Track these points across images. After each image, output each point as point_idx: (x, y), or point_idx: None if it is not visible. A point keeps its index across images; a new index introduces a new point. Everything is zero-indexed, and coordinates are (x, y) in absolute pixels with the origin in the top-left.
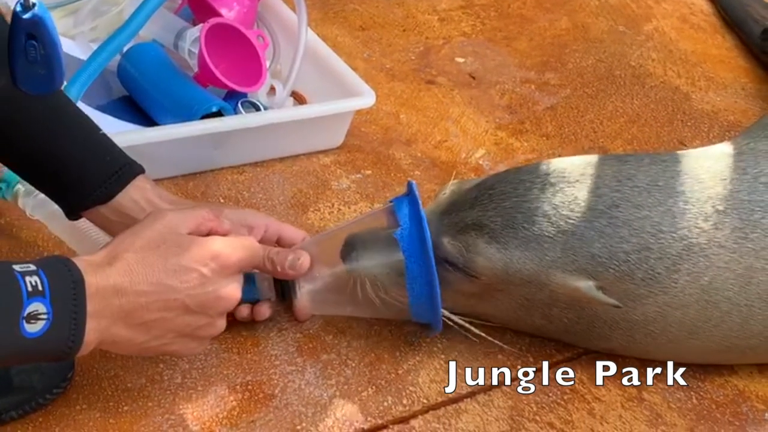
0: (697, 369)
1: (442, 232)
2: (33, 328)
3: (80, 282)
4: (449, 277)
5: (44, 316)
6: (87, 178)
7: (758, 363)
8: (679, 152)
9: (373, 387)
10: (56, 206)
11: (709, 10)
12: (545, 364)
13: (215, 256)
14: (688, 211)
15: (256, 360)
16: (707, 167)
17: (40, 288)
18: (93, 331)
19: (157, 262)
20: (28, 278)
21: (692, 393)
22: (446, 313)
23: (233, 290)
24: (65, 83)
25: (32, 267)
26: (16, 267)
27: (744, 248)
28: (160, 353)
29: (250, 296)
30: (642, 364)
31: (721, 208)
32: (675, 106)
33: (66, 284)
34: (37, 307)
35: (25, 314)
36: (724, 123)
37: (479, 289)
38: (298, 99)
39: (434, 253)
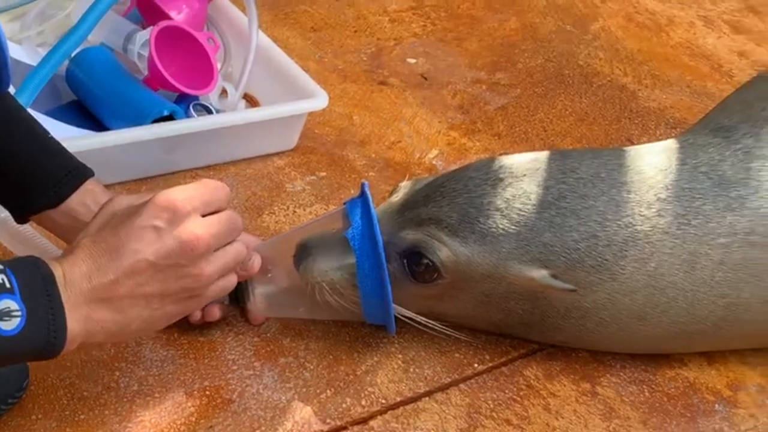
0: (648, 362)
1: (401, 227)
2: (7, 326)
3: (49, 276)
4: (408, 281)
5: (17, 313)
6: (36, 182)
7: (706, 350)
8: (621, 148)
9: (332, 389)
10: (4, 213)
11: (654, 8)
12: (501, 362)
13: (164, 206)
14: (631, 199)
15: (213, 365)
16: (648, 160)
17: (8, 285)
18: (75, 322)
19: (111, 235)
20: None
21: (644, 386)
22: (405, 312)
23: (195, 228)
24: (14, 89)
25: None
26: None
27: (687, 234)
28: (161, 321)
29: None
30: (594, 359)
31: (663, 196)
32: (622, 104)
33: (35, 279)
34: (8, 304)
35: None
36: (670, 120)
37: (438, 291)
38: (251, 101)
39: (393, 251)
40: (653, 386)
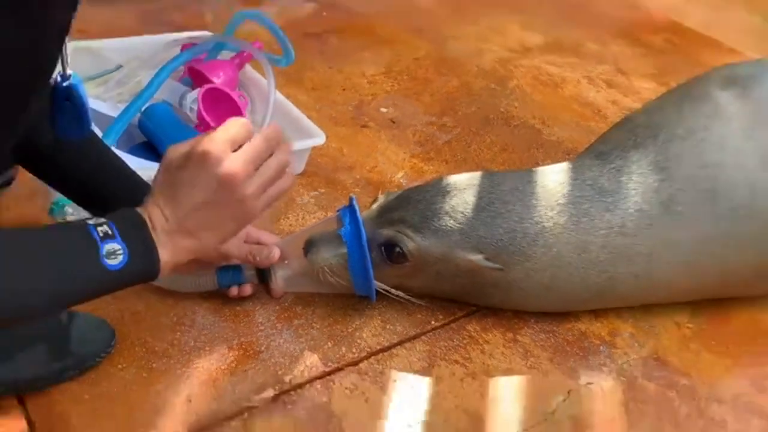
0: (553, 319)
1: (379, 226)
2: (114, 261)
3: (140, 220)
4: (384, 264)
5: (120, 251)
6: (119, 200)
7: (594, 309)
8: (532, 169)
9: (332, 341)
10: None
11: (552, 71)
12: (450, 320)
13: (200, 157)
14: (539, 204)
15: (246, 326)
16: (551, 177)
17: (110, 233)
18: (165, 251)
19: (170, 187)
20: (99, 228)
21: (550, 335)
22: (383, 286)
23: (230, 167)
24: (101, 134)
25: (102, 220)
26: (89, 221)
27: (579, 228)
28: (228, 236)
29: (239, 280)
30: (516, 316)
31: (561, 201)
32: (531, 138)
33: (130, 224)
34: (113, 245)
35: (104, 253)
36: (565, 149)
37: (406, 271)
38: None
39: (374, 243)
40: (557, 335)
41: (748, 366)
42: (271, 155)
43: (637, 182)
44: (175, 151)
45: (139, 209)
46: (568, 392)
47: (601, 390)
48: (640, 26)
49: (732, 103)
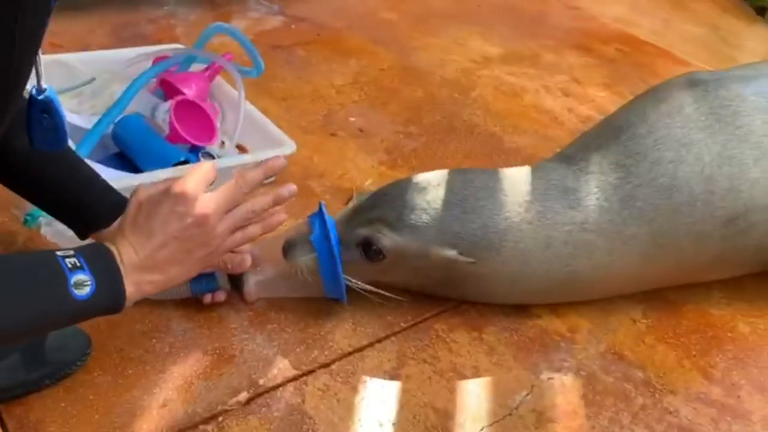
0: (516, 317)
1: (355, 225)
2: (82, 292)
3: (108, 253)
4: (362, 262)
5: (88, 282)
6: (92, 211)
7: (556, 302)
8: (501, 168)
9: (304, 345)
10: (70, 232)
11: (512, 81)
12: (419, 320)
13: (176, 197)
14: (509, 201)
15: (221, 332)
16: (520, 177)
17: (78, 264)
18: (130, 284)
19: (145, 221)
20: (67, 259)
21: (514, 333)
22: (359, 284)
23: (203, 208)
24: (75, 146)
25: (70, 252)
26: (58, 253)
27: (544, 224)
28: (194, 272)
29: (212, 286)
30: (480, 316)
31: (528, 199)
32: (493, 145)
33: (99, 258)
34: (80, 277)
35: (72, 283)
36: (525, 156)
37: (383, 267)
38: (241, 149)
39: (351, 242)
40: (519, 332)
41: (698, 357)
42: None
43: (598, 180)
44: (149, 189)
45: (107, 243)
46: (531, 387)
47: (562, 384)
48: (593, 37)
49: (691, 104)
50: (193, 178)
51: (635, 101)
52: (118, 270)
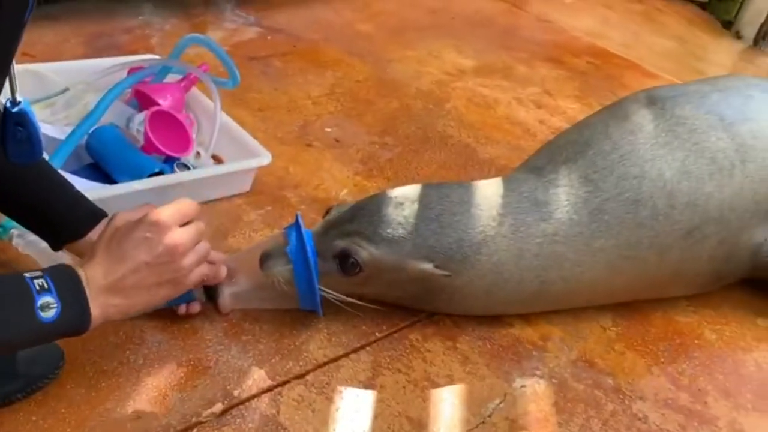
0: (489, 326)
1: (332, 237)
2: (47, 314)
3: (76, 277)
4: (338, 274)
5: (54, 305)
6: (66, 222)
7: (528, 312)
8: (475, 182)
9: (279, 356)
10: (43, 244)
11: (485, 93)
12: (393, 330)
13: (153, 222)
14: (483, 215)
15: (195, 343)
16: (493, 190)
17: (46, 286)
18: (96, 308)
19: (117, 246)
20: (36, 281)
21: (487, 342)
22: (335, 295)
23: (176, 238)
24: (48, 156)
25: (38, 273)
26: (26, 274)
27: (516, 236)
28: (159, 301)
29: (187, 298)
30: (455, 325)
31: (501, 212)
32: (467, 156)
33: (66, 280)
34: (47, 299)
35: (39, 305)
36: (498, 166)
37: (359, 279)
38: (217, 160)
39: (328, 254)
40: (492, 341)
41: (666, 364)
42: None
43: (568, 194)
44: (125, 216)
45: (76, 266)
46: (504, 395)
47: (535, 392)
48: (565, 50)
49: (652, 121)
50: (171, 209)
51: (598, 116)
52: (84, 293)
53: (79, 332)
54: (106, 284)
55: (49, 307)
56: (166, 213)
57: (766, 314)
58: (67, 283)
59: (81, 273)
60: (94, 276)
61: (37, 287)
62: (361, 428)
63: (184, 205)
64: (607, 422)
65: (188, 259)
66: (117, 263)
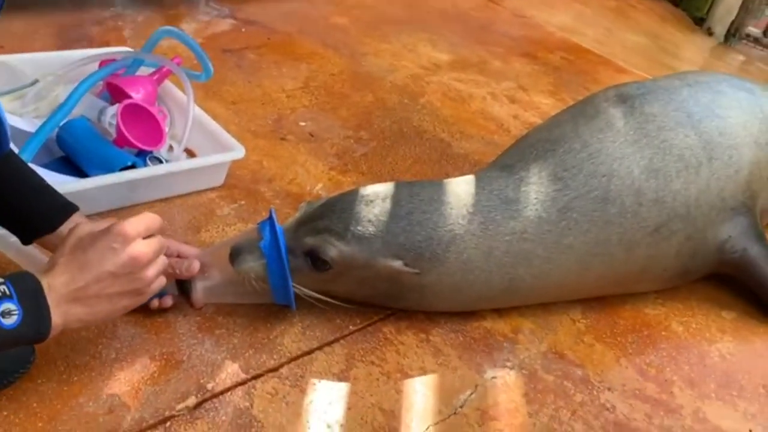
0: (461, 319)
1: (304, 234)
2: (8, 321)
3: (38, 284)
4: (309, 270)
5: (15, 312)
6: (37, 216)
7: (498, 308)
8: (445, 179)
9: (253, 349)
10: (12, 238)
11: (459, 88)
12: (367, 324)
13: (118, 233)
14: (452, 214)
15: (168, 337)
16: (463, 188)
17: (7, 293)
18: (57, 317)
19: (81, 254)
20: None
21: (459, 334)
22: (306, 291)
23: (140, 248)
24: (18, 149)
25: (0, 279)
26: None
27: (486, 234)
28: (119, 311)
29: (160, 291)
30: (428, 318)
31: (471, 210)
32: (442, 150)
33: (28, 287)
34: (8, 306)
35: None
36: (472, 161)
37: (329, 276)
38: (190, 153)
39: (298, 251)
40: (464, 333)
41: (634, 355)
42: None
43: (537, 192)
44: (88, 226)
45: (37, 274)
46: (476, 386)
47: (505, 383)
48: (539, 45)
49: (620, 119)
50: (135, 221)
51: (568, 113)
52: (45, 300)
53: (40, 340)
54: (67, 292)
55: (10, 314)
56: (130, 225)
57: (730, 307)
58: (28, 291)
59: (43, 281)
60: (55, 284)
61: None
62: (335, 420)
63: (148, 218)
64: (575, 412)
65: (151, 271)
66: (80, 272)
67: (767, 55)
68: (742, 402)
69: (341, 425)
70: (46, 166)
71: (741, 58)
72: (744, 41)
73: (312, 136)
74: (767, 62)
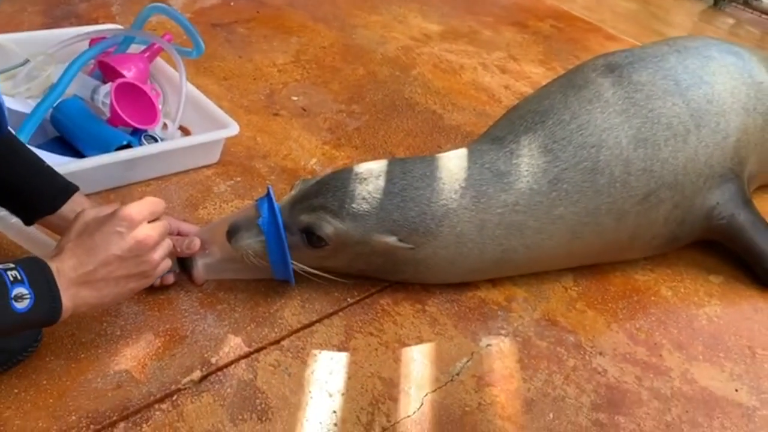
0: (456, 289)
1: (299, 212)
2: (21, 305)
3: (47, 269)
4: (305, 247)
5: (27, 296)
6: (39, 197)
7: (492, 278)
8: (437, 155)
9: (254, 323)
10: (14, 219)
11: (450, 59)
12: (365, 296)
13: (123, 217)
14: (445, 188)
15: (171, 314)
16: (454, 163)
17: (19, 277)
18: (67, 300)
19: (88, 239)
20: (9, 272)
21: (454, 304)
22: (303, 267)
23: (145, 231)
24: (14, 131)
25: (11, 264)
26: (0, 265)
27: (478, 207)
28: (126, 294)
29: None
30: (424, 290)
31: (463, 185)
32: (434, 123)
33: (38, 272)
34: (21, 290)
35: (12, 296)
36: (464, 132)
37: (326, 253)
38: (184, 131)
39: (294, 228)
40: (460, 303)
41: (624, 320)
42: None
43: (528, 164)
44: (93, 211)
45: (47, 260)
46: (471, 354)
47: (500, 350)
48: (529, 13)
49: (609, 89)
50: (140, 205)
51: (557, 84)
52: (55, 285)
53: (51, 323)
54: (76, 276)
55: (22, 298)
56: (135, 209)
57: (718, 272)
58: (38, 275)
59: (51, 265)
60: (64, 268)
61: (11, 278)
62: (336, 389)
63: (152, 202)
64: (568, 377)
65: (157, 254)
66: (88, 256)
67: (757, 17)
68: (728, 363)
69: (342, 394)
70: (40, 146)
71: (730, 21)
72: (733, 4)
73: (305, 110)
74: (756, 25)
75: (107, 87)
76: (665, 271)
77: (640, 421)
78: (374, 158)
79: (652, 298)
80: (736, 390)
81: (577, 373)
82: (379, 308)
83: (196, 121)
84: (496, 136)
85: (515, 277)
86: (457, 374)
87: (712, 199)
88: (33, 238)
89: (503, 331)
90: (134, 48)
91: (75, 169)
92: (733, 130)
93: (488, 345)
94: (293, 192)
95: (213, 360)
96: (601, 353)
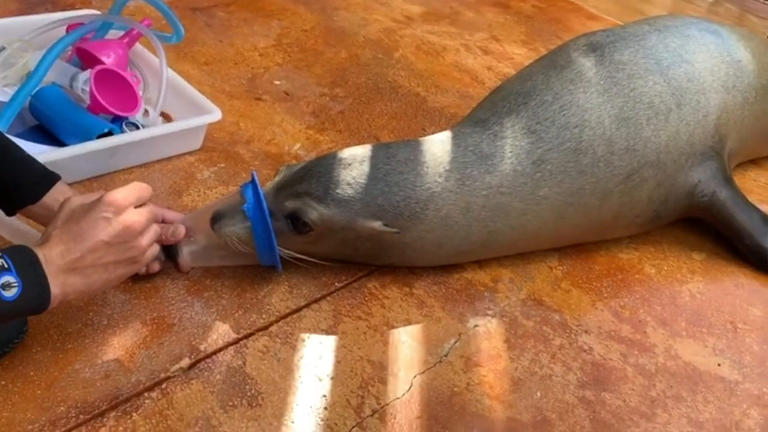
0: (443, 271)
1: (283, 198)
2: (9, 293)
3: (34, 256)
4: (290, 233)
5: (15, 284)
6: (20, 187)
7: (478, 259)
8: (421, 138)
9: (242, 310)
10: None
11: (433, 41)
12: (352, 280)
13: (110, 202)
14: (429, 172)
15: (158, 302)
16: (438, 147)
17: (5, 266)
18: (55, 287)
19: (74, 225)
20: None
21: (441, 286)
22: (290, 253)
23: (132, 216)
24: None
25: None
26: None
27: (463, 190)
28: (115, 281)
29: None
30: (411, 273)
31: (447, 168)
32: (417, 105)
33: (25, 260)
34: (8, 279)
35: (0, 284)
36: (447, 114)
37: (311, 238)
38: (166, 118)
39: (279, 214)
40: (447, 285)
41: (609, 298)
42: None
43: (512, 145)
44: (79, 198)
45: (34, 248)
46: (459, 335)
47: (487, 330)
48: None
49: (591, 69)
50: (125, 190)
51: (539, 65)
52: (43, 273)
53: (39, 311)
54: (64, 263)
55: (10, 287)
56: (121, 194)
57: (700, 249)
58: (26, 263)
59: (39, 253)
60: (51, 256)
61: None
62: (326, 373)
63: (138, 187)
64: (555, 355)
65: (144, 239)
66: (75, 243)
67: None
68: (711, 338)
69: (332, 378)
70: (19, 135)
71: None
72: None
73: (287, 94)
74: (735, 2)
75: (86, 74)
76: (649, 249)
77: (625, 397)
78: (358, 142)
79: (636, 276)
80: (719, 365)
81: (564, 352)
82: (367, 292)
83: (177, 108)
84: (480, 118)
85: (501, 258)
86: (445, 355)
87: (694, 177)
88: (15, 228)
89: (490, 312)
90: (113, 34)
91: (56, 158)
92: (714, 108)
93: (475, 326)
94: (277, 178)
95: (201, 347)
96: (586, 331)
